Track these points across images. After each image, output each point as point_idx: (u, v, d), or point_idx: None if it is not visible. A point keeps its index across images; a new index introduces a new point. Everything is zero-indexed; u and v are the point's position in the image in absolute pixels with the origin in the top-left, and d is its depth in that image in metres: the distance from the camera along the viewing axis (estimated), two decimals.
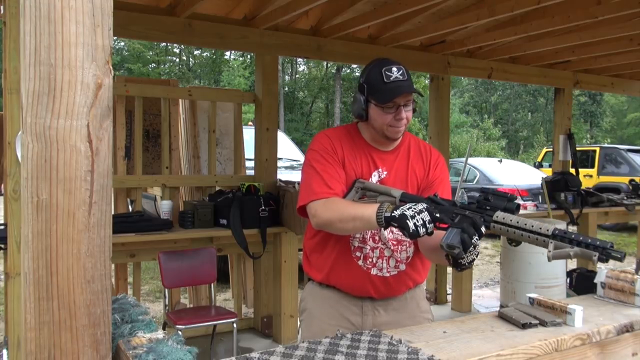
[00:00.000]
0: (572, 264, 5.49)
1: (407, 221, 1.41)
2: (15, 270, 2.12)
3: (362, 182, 1.72)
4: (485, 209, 1.43)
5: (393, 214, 1.45)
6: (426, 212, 1.43)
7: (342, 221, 1.60)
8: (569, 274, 4.89)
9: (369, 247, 1.77)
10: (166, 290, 3.44)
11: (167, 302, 3.46)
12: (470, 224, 1.40)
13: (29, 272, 0.94)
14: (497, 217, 1.40)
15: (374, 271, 1.77)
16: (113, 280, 4.15)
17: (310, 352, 1.23)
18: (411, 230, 1.41)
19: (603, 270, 1.75)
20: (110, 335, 1.03)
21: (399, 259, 1.79)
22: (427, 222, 1.42)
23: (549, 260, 1.34)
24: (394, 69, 1.68)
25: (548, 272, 4.22)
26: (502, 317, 1.52)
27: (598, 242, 1.28)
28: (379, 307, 1.82)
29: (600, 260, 1.27)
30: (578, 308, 1.46)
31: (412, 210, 1.43)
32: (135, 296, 3.01)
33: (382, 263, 1.77)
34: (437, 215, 1.43)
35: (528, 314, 1.49)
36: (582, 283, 4.83)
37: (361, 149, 1.79)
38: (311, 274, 1.89)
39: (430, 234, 1.45)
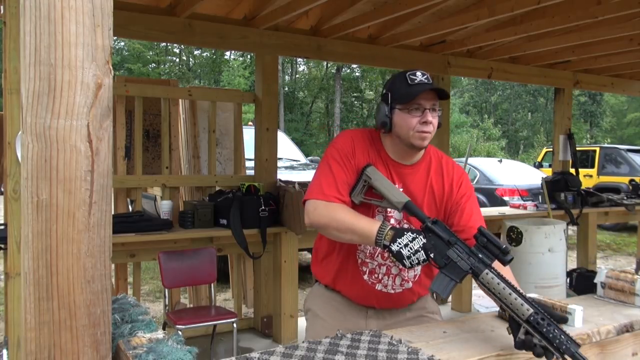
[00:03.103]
0: (572, 264, 5.49)
1: (404, 260, 1.47)
2: (15, 270, 2.12)
3: (369, 176, 1.68)
4: (478, 256, 1.39)
5: (391, 247, 1.48)
6: (422, 252, 1.45)
7: (339, 230, 1.61)
8: (569, 274, 4.89)
9: (376, 263, 1.75)
10: (166, 290, 3.44)
11: (167, 302, 3.46)
12: (459, 277, 1.40)
13: (29, 272, 0.94)
14: (482, 278, 1.36)
15: (378, 287, 1.76)
16: (113, 280, 4.15)
17: (310, 352, 1.23)
18: (407, 267, 1.48)
19: (603, 270, 1.75)
20: (110, 335, 1.03)
21: (405, 278, 1.77)
22: (421, 261, 1.46)
23: (516, 347, 1.28)
24: (418, 73, 1.67)
25: (548, 272, 4.23)
26: (502, 317, 1.52)
27: (564, 347, 1.21)
28: (383, 312, 1.82)
29: None
30: (578, 308, 1.46)
31: (409, 250, 1.46)
32: (135, 296, 3.01)
33: (387, 280, 1.76)
34: (432, 255, 1.44)
35: None
36: (582, 283, 4.83)
37: (380, 160, 1.74)
38: (318, 276, 1.89)
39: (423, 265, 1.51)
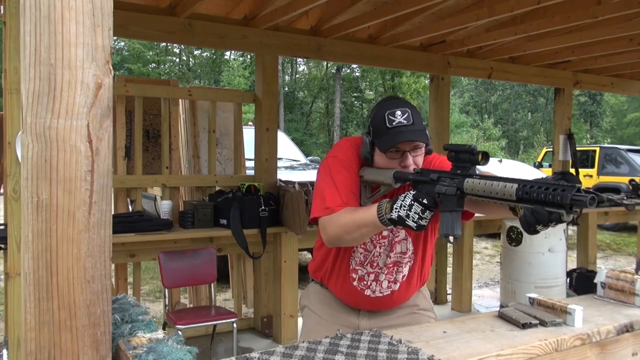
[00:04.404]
0: (572, 264, 5.49)
1: (407, 222, 1.40)
2: (15, 270, 2.12)
3: (362, 175, 1.68)
4: (457, 173, 1.35)
5: (392, 217, 1.43)
6: (416, 204, 1.39)
7: (349, 232, 1.55)
8: (569, 274, 4.89)
9: (365, 271, 1.76)
10: (166, 290, 3.44)
11: (167, 302, 3.46)
12: (457, 205, 1.35)
13: (29, 272, 0.94)
14: (466, 189, 1.30)
15: (367, 292, 1.77)
16: (113, 280, 4.15)
17: (310, 352, 1.23)
18: (415, 228, 1.41)
19: (603, 270, 1.75)
20: (110, 335, 1.03)
21: (391, 280, 1.77)
22: (421, 213, 1.39)
23: (524, 230, 1.19)
24: (398, 112, 1.58)
25: (548, 272, 4.23)
26: (502, 317, 1.52)
27: (558, 198, 1.10)
28: (376, 311, 1.84)
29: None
30: (578, 308, 1.46)
31: (404, 210, 1.40)
32: (135, 296, 3.01)
33: (375, 286, 1.77)
34: (425, 202, 1.39)
35: (528, 314, 1.49)
36: (582, 283, 4.84)
37: None
38: (312, 272, 1.91)
39: (431, 219, 1.42)
